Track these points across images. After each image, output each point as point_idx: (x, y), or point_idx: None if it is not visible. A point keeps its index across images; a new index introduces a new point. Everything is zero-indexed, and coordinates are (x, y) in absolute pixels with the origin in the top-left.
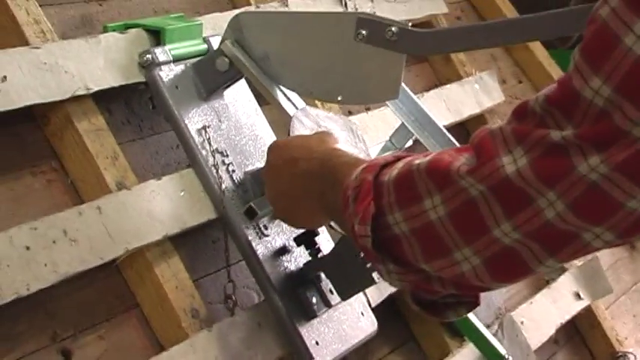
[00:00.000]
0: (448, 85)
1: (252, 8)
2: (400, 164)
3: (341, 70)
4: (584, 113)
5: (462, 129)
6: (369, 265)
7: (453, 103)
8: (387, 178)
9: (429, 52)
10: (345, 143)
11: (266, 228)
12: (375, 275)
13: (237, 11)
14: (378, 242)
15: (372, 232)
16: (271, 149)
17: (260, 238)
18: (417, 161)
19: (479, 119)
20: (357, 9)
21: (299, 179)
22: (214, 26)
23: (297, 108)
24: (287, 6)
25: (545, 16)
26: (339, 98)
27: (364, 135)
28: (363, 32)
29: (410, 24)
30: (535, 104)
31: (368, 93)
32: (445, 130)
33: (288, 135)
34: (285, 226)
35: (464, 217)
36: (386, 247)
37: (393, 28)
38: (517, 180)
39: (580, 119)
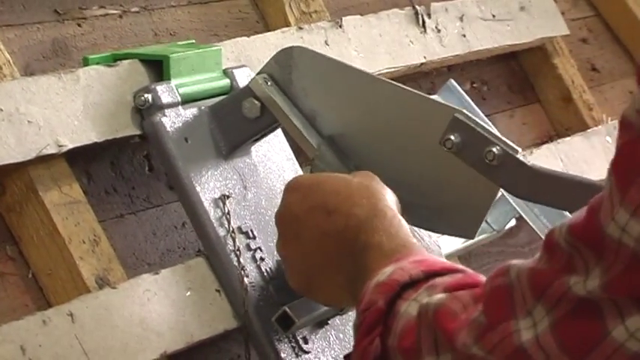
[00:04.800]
0: (568, 138)
1: (293, 31)
2: (422, 294)
3: (409, 175)
4: (616, 253)
5: None
6: None
7: (574, 163)
8: (404, 310)
9: (530, 196)
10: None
11: (306, 341)
12: None
13: (270, 35)
14: None
15: None
16: (292, 189)
17: (298, 356)
18: (431, 299)
19: None
20: (438, 29)
21: (330, 241)
22: (238, 55)
23: None
24: (341, 26)
25: None
26: None
27: None
28: (453, 139)
29: (520, 150)
30: (559, 236)
31: (435, 217)
32: None
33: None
34: (333, 338)
35: None
36: None
37: (495, 149)
38: (533, 350)
39: (612, 261)
